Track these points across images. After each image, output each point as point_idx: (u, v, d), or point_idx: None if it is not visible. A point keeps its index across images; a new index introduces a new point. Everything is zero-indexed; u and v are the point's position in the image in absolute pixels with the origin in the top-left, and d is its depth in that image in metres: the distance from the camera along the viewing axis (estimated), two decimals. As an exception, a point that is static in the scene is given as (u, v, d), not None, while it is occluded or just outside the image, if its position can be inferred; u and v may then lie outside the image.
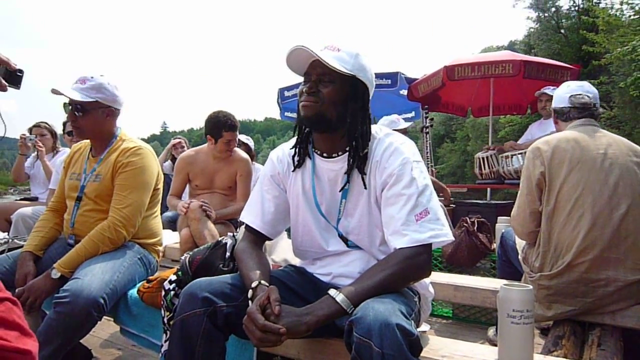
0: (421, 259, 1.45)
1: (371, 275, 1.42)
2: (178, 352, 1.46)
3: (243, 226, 1.81)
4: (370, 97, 1.63)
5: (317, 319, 1.32)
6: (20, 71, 1.77)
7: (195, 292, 1.48)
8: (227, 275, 1.64)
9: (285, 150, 1.78)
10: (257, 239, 1.75)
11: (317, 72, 1.54)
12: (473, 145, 30.13)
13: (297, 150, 1.70)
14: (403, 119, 4.87)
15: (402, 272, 1.43)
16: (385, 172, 1.54)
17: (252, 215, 1.76)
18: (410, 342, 1.21)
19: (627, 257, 2.04)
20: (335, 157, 1.63)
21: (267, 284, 1.46)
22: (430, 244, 1.47)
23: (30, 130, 4.66)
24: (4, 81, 1.71)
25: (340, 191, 1.63)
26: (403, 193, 1.48)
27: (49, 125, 4.68)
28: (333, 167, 1.63)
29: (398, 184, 1.50)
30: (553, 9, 25.12)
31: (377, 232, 1.60)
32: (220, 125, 3.41)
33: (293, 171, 1.71)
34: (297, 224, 1.74)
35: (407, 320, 1.25)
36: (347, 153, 1.60)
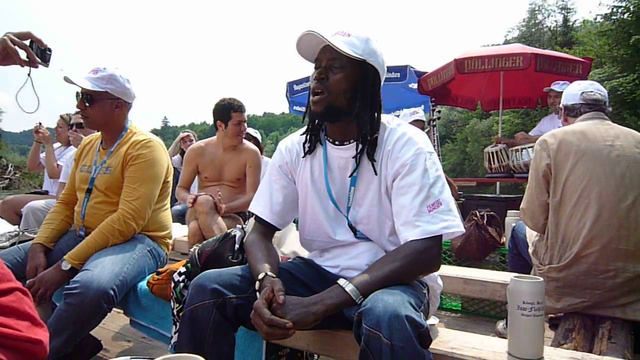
0: (432, 253, 1.44)
1: (381, 266, 1.41)
2: (187, 344, 1.46)
3: (252, 218, 1.81)
4: (382, 82, 1.61)
5: (325, 308, 1.32)
6: (49, 49, 1.83)
7: (204, 284, 1.49)
8: (237, 266, 1.64)
9: (294, 140, 1.78)
10: (267, 230, 1.75)
11: (327, 58, 1.53)
12: (471, 147, 34.02)
13: (308, 137, 1.69)
14: (409, 113, 4.83)
15: (412, 265, 1.42)
16: (398, 162, 1.52)
17: (260, 205, 1.76)
18: (420, 334, 1.20)
19: (637, 248, 2.03)
20: (346, 144, 1.62)
21: (273, 275, 1.46)
22: (441, 237, 1.47)
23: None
24: (37, 58, 1.77)
25: (349, 177, 1.61)
26: (416, 183, 1.47)
27: (67, 118, 4.72)
28: (343, 155, 1.62)
29: (411, 174, 1.49)
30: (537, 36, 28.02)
31: (387, 222, 1.59)
32: (228, 108, 3.49)
33: (303, 157, 1.70)
34: (305, 213, 1.74)
35: (416, 312, 1.25)
36: (359, 141, 1.58)
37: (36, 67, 1.78)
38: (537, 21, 36.94)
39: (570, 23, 34.57)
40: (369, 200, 1.60)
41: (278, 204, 1.73)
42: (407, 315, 1.19)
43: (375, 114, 1.58)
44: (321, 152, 1.68)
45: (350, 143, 1.61)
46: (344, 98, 1.53)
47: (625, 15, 19.31)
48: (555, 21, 35.93)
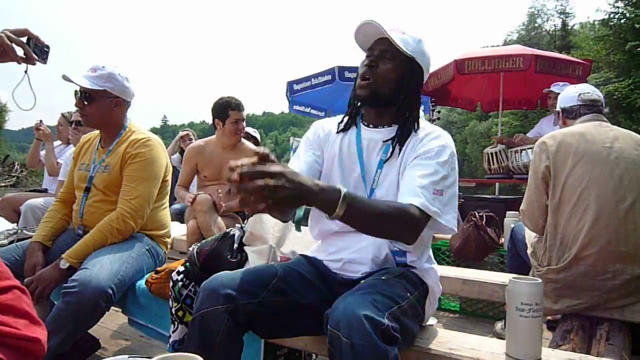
0: (420, 225, 1.44)
1: (380, 204, 1.42)
2: (196, 348, 1.43)
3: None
4: (424, 82, 1.72)
5: (318, 187, 1.22)
6: (47, 47, 1.84)
7: (217, 289, 1.46)
8: (249, 268, 1.63)
9: (329, 121, 1.86)
10: None
11: (380, 48, 1.63)
12: (471, 148, 35.09)
13: (346, 118, 1.77)
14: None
15: (402, 221, 1.41)
16: (425, 147, 1.59)
17: None
18: (382, 332, 1.22)
19: (636, 250, 2.03)
20: (380, 128, 1.71)
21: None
22: (429, 218, 1.46)
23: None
24: (34, 55, 1.77)
25: (385, 162, 1.66)
26: (432, 165, 1.53)
27: (68, 116, 4.72)
28: (375, 137, 1.70)
29: (433, 159, 1.55)
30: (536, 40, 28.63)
31: None
32: (225, 106, 3.50)
33: (337, 132, 1.77)
34: None
35: (377, 311, 1.26)
36: (392, 127, 1.68)
37: (33, 64, 1.78)
38: (536, 25, 37.35)
39: (569, 27, 34.93)
40: (389, 181, 1.65)
41: (305, 166, 1.72)
42: (365, 314, 1.22)
43: (417, 109, 1.69)
44: (354, 133, 1.75)
45: (383, 127, 1.70)
46: (388, 88, 1.63)
47: (622, 21, 19.77)
48: (554, 25, 36.43)
